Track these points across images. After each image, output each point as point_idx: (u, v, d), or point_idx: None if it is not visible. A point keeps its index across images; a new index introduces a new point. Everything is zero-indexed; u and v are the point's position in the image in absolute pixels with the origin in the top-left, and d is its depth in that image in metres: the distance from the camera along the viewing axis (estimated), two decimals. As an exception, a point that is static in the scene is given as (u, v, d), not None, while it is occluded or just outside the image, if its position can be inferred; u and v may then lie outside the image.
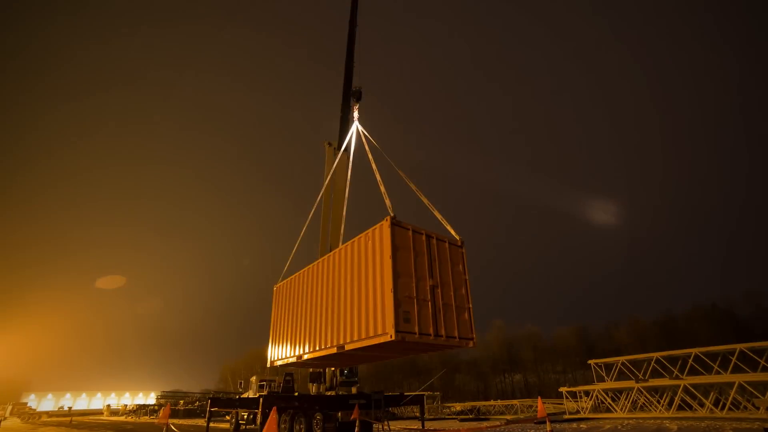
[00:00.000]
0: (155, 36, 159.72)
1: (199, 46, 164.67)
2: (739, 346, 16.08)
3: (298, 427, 12.47)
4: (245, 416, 20.11)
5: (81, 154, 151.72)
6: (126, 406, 57.21)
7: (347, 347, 8.59)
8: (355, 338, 8.24)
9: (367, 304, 8.10)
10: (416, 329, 7.49)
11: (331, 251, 15.48)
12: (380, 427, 14.65)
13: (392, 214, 8.35)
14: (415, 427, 17.68)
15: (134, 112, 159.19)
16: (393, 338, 7.08)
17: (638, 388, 17.20)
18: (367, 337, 7.87)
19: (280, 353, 11.96)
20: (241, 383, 24.09)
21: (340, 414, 13.79)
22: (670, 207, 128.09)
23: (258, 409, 12.07)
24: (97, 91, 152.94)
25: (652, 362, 18.54)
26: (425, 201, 10.50)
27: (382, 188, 9.97)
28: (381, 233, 8.24)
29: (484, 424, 18.07)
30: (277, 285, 13.24)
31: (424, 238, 8.72)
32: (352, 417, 11.39)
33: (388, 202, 9.18)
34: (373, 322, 7.73)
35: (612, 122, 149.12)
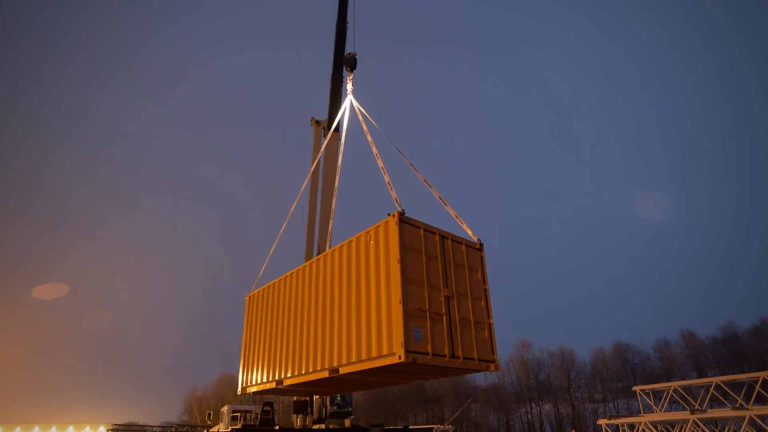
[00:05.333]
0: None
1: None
2: (817, 369, 16.19)
3: (281, 467, 12.59)
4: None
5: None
6: (68, 442, 57.33)
7: (342, 370, 8.63)
8: (354, 359, 8.28)
9: (368, 318, 8.13)
10: (429, 349, 7.53)
11: (319, 252, 15.55)
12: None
13: (400, 209, 8.38)
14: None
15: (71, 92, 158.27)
16: (402, 360, 7.09)
17: (694, 420, 17.37)
18: (369, 359, 7.89)
19: (254, 377, 11.96)
20: (209, 414, 24.25)
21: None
22: (729, 204, 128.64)
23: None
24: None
25: (711, 388, 18.70)
26: (436, 194, 10.50)
27: (386, 177, 9.94)
28: (386, 231, 8.25)
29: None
30: (251, 293, 13.26)
31: (437, 238, 8.74)
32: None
33: (394, 194, 9.16)
34: (377, 340, 7.76)
35: (665, 115, 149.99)
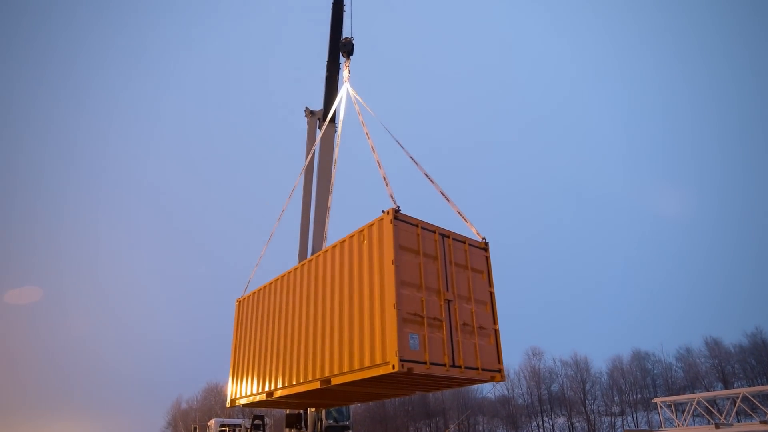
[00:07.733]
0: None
1: None
2: None
3: (270, 485, 12.58)
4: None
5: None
6: (45, 458, 57.62)
7: (334, 381, 8.58)
8: (346, 369, 8.23)
9: (361, 325, 8.07)
10: (426, 358, 7.45)
11: (314, 252, 15.51)
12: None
13: (396, 205, 8.30)
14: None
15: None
16: (396, 369, 7.03)
17: (719, 435, 17.31)
18: (362, 368, 7.83)
19: (243, 389, 11.96)
20: (195, 429, 24.33)
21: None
22: (757, 203, 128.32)
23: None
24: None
25: (737, 400, 18.64)
26: (438, 189, 10.43)
27: (382, 171, 9.88)
28: (380, 230, 8.18)
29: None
30: (241, 298, 13.27)
31: (436, 236, 8.68)
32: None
33: (389, 189, 9.09)
34: (370, 349, 7.70)
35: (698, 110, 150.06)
